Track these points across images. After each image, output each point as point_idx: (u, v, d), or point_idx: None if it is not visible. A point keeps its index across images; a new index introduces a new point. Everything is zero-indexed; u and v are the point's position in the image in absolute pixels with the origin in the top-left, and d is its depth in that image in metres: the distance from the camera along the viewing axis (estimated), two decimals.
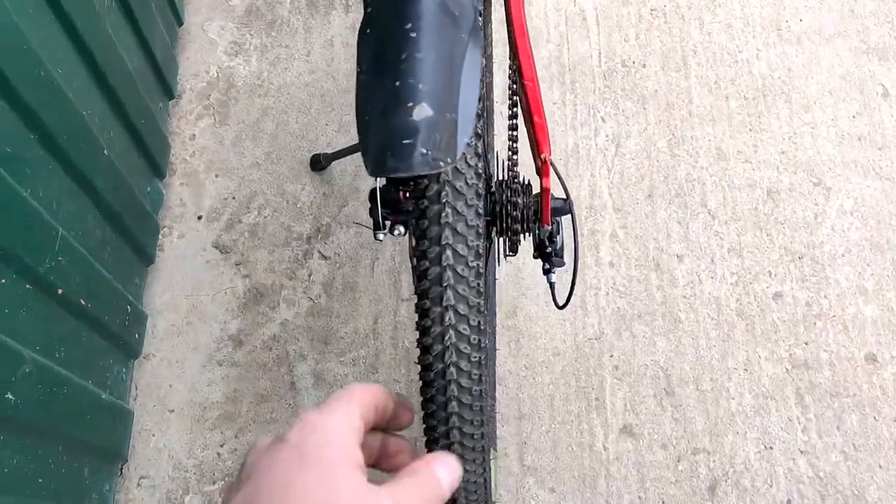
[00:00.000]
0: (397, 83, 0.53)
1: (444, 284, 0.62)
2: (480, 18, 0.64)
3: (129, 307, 1.17)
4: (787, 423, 1.31)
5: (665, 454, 1.28)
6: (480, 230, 0.63)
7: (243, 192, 1.41)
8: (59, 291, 0.92)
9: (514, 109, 0.99)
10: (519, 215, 0.96)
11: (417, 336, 0.65)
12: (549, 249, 1.02)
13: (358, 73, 0.58)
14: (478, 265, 0.63)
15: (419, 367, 0.67)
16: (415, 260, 0.64)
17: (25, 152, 0.84)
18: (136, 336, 1.22)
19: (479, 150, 0.62)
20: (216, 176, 1.42)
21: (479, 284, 0.63)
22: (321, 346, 1.32)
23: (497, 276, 1.37)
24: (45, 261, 0.88)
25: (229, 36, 1.52)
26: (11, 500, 0.86)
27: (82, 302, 0.99)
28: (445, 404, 0.67)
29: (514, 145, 0.99)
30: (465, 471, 0.72)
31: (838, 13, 1.59)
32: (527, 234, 1.00)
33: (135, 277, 1.23)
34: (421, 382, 0.68)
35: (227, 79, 1.48)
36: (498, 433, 1.28)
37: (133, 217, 1.18)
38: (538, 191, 0.97)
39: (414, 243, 0.64)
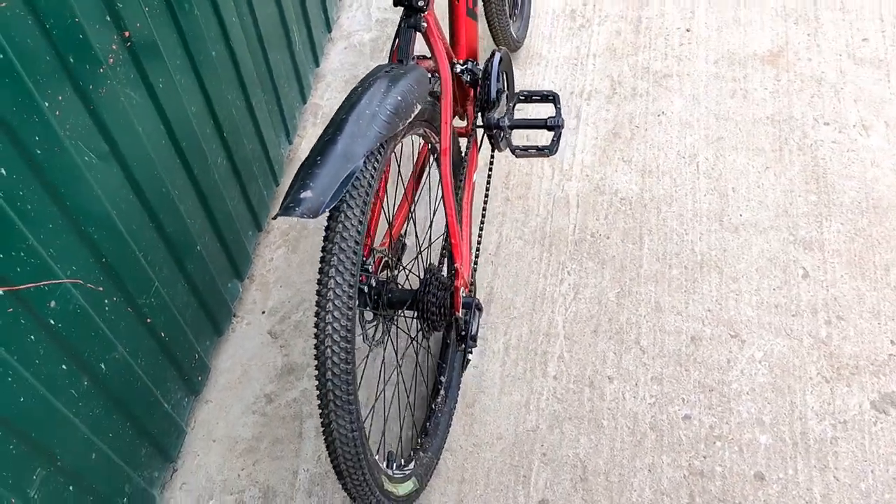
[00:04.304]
0: (302, 178, 1.08)
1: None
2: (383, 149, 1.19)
3: (197, 355, 1.72)
4: None
5: None
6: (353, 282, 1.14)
7: (296, 298, 1.97)
8: (148, 320, 1.49)
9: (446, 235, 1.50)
10: (437, 302, 1.44)
11: None
12: (462, 332, 1.49)
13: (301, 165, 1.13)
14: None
15: None
16: None
17: (145, 232, 1.45)
18: (199, 378, 1.76)
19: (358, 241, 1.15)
20: (280, 286, 2.00)
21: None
22: None
23: (462, 377, 1.81)
24: (142, 297, 1.46)
25: None
26: (88, 437, 1.37)
27: (162, 334, 1.55)
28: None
29: (443, 260, 1.50)
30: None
31: (774, 212, 2.01)
32: (444, 318, 1.47)
33: (206, 340, 1.79)
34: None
35: (304, 222, 2.11)
36: (442, 491, 1.67)
37: (212, 298, 1.76)
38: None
39: None
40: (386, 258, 1.50)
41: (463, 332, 1.49)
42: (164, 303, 1.54)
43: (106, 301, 1.36)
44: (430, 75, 1.38)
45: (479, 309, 1.51)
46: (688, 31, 2.43)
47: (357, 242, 1.16)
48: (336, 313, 1.14)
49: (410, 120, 1.28)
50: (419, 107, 1.30)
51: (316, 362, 1.17)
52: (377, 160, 1.21)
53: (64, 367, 1.27)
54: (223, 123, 1.70)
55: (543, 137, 1.94)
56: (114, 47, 1.29)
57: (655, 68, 2.35)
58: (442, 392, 1.74)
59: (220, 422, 1.81)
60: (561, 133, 1.55)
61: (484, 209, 1.79)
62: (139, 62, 1.36)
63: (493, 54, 1.70)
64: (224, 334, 1.89)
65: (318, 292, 1.15)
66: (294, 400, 1.82)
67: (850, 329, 1.81)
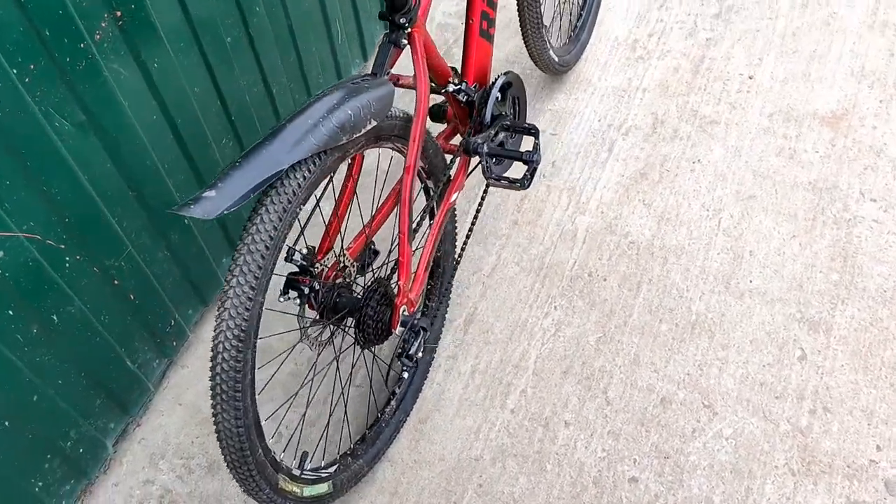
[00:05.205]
0: (216, 178, 1.12)
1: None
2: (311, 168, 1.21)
3: (173, 321, 1.81)
4: None
5: None
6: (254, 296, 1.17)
7: None
8: (115, 282, 1.58)
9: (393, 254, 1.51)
10: (373, 314, 1.45)
11: None
12: (399, 351, 1.49)
13: None
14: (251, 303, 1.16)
15: None
16: None
17: (122, 200, 1.54)
18: (174, 343, 1.84)
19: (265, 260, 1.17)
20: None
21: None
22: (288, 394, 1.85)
23: (422, 388, 1.81)
24: (110, 259, 1.55)
25: None
26: (31, 380, 1.46)
27: (131, 297, 1.64)
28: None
29: (389, 274, 1.51)
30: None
31: (788, 284, 1.89)
32: (380, 333, 1.47)
33: (189, 309, 1.87)
34: None
35: None
36: (373, 500, 1.69)
37: (199, 270, 1.84)
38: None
39: None
40: (346, 263, 1.52)
41: (400, 350, 1.49)
42: (137, 267, 1.63)
43: (67, 258, 1.45)
44: (393, 92, 1.38)
45: (424, 329, 1.51)
46: (750, 78, 2.31)
47: (268, 248, 1.18)
48: (232, 311, 1.17)
49: (360, 135, 1.29)
50: (373, 123, 1.31)
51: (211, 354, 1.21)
52: (309, 170, 1.22)
53: (10, 312, 1.36)
54: (231, 107, 1.76)
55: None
56: (103, 24, 1.36)
57: (704, 112, 2.25)
58: (393, 403, 1.75)
59: (191, 389, 1.89)
60: (536, 168, 1.51)
61: (468, 235, 1.77)
62: (132, 41, 1.43)
63: (496, 78, 1.68)
64: (210, 306, 1.97)
65: (223, 288, 1.19)
66: (260, 381, 1.88)
67: (835, 424, 1.68)
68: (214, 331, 1.19)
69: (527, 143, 1.74)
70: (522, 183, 1.51)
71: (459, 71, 1.71)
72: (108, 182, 1.49)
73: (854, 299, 1.85)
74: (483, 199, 1.80)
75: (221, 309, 1.18)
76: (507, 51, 2.49)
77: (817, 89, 2.25)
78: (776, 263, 1.93)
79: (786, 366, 1.77)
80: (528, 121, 2.25)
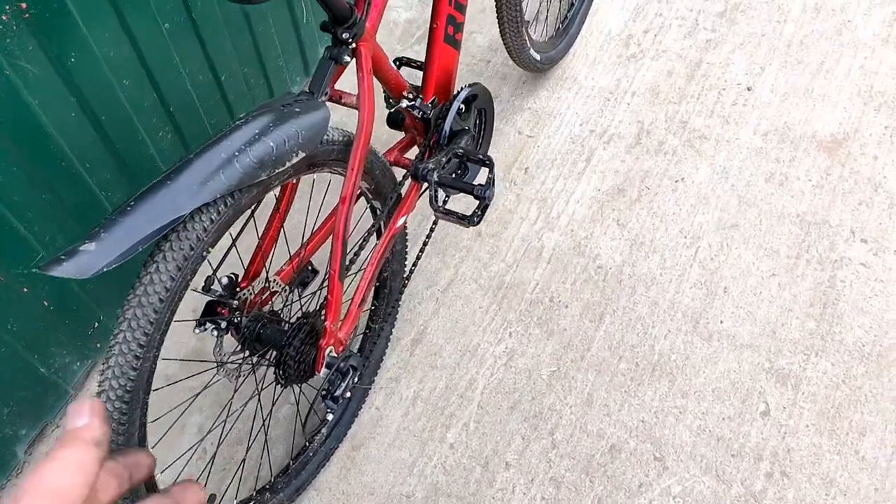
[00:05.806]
0: (99, 226, 0.97)
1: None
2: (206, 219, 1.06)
3: (97, 323, 1.68)
4: None
5: None
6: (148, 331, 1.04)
7: None
8: (24, 290, 1.45)
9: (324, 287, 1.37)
10: (295, 354, 1.32)
11: None
12: (324, 392, 1.37)
13: None
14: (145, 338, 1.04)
15: None
16: None
17: (34, 205, 1.39)
18: (98, 345, 1.73)
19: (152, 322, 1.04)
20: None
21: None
22: (218, 408, 1.74)
23: (358, 414, 1.71)
24: (18, 268, 1.41)
25: None
26: None
27: (45, 303, 1.51)
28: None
29: (320, 312, 1.37)
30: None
31: (760, 329, 1.76)
32: (304, 371, 1.35)
33: (117, 307, 1.74)
34: None
35: None
36: None
37: (129, 268, 1.70)
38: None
39: None
40: (276, 289, 1.39)
41: (324, 391, 1.37)
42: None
43: None
44: (328, 117, 1.22)
45: (353, 369, 1.39)
46: (748, 89, 2.13)
47: (162, 301, 1.05)
48: (117, 370, 1.04)
49: (286, 168, 1.14)
50: (301, 155, 1.16)
51: None
52: (218, 212, 1.08)
53: None
54: (169, 97, 1.61)
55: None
56: (4, 18, 1.20)
57: (694, 125, 2.08)
58: (324, 431, 1.64)
59: None
60: (487, 206, 1.37)
61: (425, 242, 1.63)
62: (43, 34, 1.27)
63: (459, 91, 1.52)
64: None
65: (109, 342, 1.06)
66: (190, 388, 1.77)
67: (791, 491, 1.57)
68: (98, 386, 1.07)
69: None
70: (472, 220, 1.37)
71: (423, 65, 1.54)
72: (13, 188, 1.34)
73: (829, 352, 1.72)
74: (428, 236, 1.65)
75: (105, 366, 1.05)
76: (490, 37, 2.31)
77: (819, 108, 2.08)
78: (751, 304, 1.80)
79: (747, 421, 1.66)
80: (504, 121, 2.09)
